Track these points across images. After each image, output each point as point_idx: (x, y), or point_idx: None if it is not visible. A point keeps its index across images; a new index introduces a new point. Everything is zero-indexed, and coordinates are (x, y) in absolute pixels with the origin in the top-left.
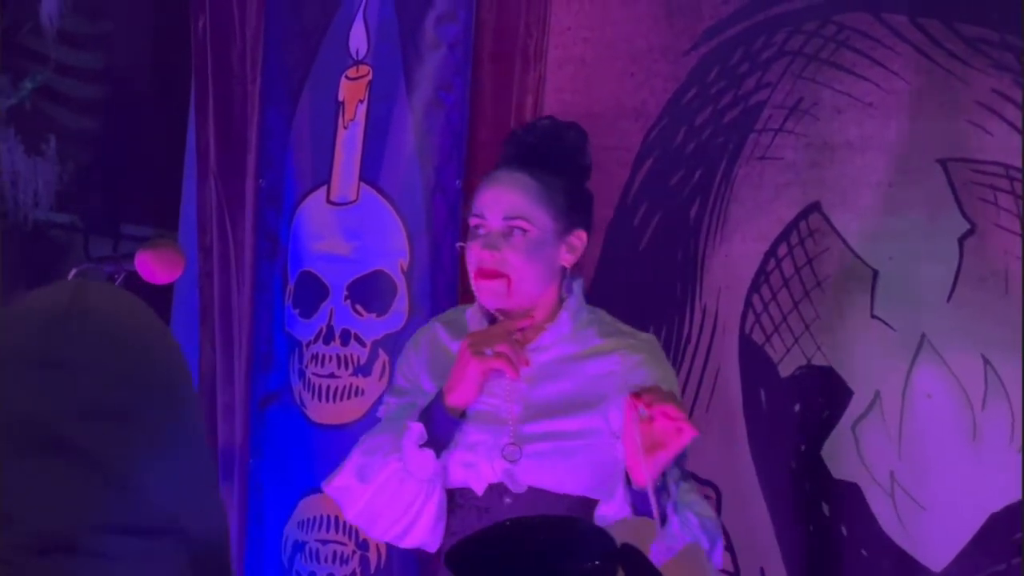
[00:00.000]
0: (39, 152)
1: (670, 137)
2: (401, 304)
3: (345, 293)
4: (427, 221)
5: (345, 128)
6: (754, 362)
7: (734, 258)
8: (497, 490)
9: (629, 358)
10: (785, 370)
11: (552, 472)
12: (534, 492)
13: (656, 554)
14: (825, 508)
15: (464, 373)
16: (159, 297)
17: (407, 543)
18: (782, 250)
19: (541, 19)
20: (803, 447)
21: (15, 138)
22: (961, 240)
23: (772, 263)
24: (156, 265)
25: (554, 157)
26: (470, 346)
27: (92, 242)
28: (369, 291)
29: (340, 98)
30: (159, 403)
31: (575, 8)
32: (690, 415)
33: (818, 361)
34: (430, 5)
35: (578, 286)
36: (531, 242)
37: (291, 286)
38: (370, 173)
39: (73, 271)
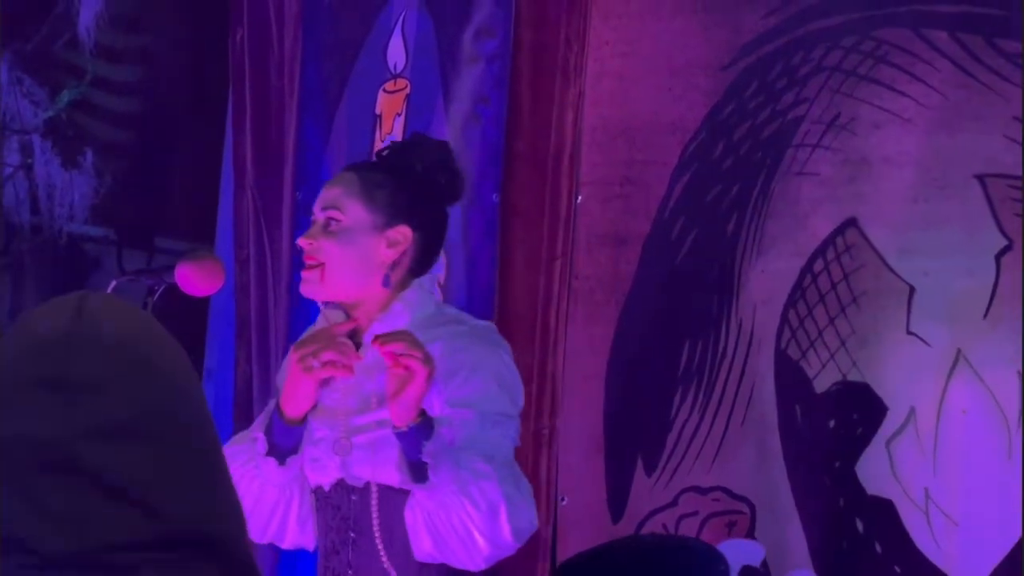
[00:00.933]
0: (75, 165)
1: (708, 152)
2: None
3: None
4: (463, 235)
5: (382, 141)
6: (789, 378)
7: (770, 273)
8: (342, 487)
9: (451, 343)
10: (820, 386)
11: (381, 464)
12: (377, 488)
13: (417, 498)
14: (859, 524)
15: (295, 387)
16: (195, 310)
17: (287, 545)
18: (818, 265)
19: (580, 34)
20: (838, 463)
21: (51, 151)
22: (998, 256)
23: (808, 278)
24: (197, 277)
25: (391, 159)
26: (298, 360)
27: (125, 255)
28: None
29: (377, 111)
30: (165, 418)
31: (614, 23)
32: (725, 430)
33: (853, 377)
34: (468, 19)
35: (429, 281)
36: (343, 231)
37: None
38: None
39: (113, 283)
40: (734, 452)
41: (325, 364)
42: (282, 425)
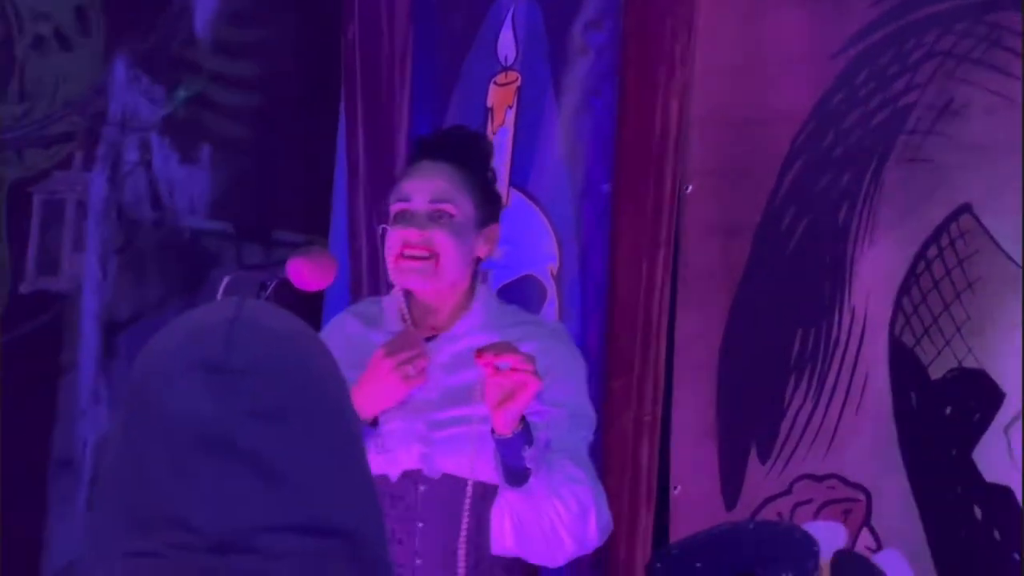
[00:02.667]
0: (193, 160)
1: (818, 140)
2: (551, 309)
3: None
4: (576, 226)
5: (494, 134)
6: (904, 365)
7: (883, 261)
8: (411, 477)
9: (543, 343)
10: (936, 373)
11: (465, 457)
12: (448, 479)
13: (507, 499)
14: (977, 512)
15: (385, 391)
16: (310, 306)
17: None
18: (932, 252)
19: (686, 23)
20: (954, 450)
21: (170, 147)
22: None
23: (922, 265)
24: (309, 271)
25: (469, 156)
26: (395, 368)
27: (244, 249)
28: (519, 296)
29: (488, 104)
30: (319, 406)
31: (722, 12)
32: (839, 418)
33: (969, 364)
34: (578, 12)
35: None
36: (456, 225)
37: None
38: (519, 178)
39: (225, 280)
40: (849, 439)
41: (420, 373)
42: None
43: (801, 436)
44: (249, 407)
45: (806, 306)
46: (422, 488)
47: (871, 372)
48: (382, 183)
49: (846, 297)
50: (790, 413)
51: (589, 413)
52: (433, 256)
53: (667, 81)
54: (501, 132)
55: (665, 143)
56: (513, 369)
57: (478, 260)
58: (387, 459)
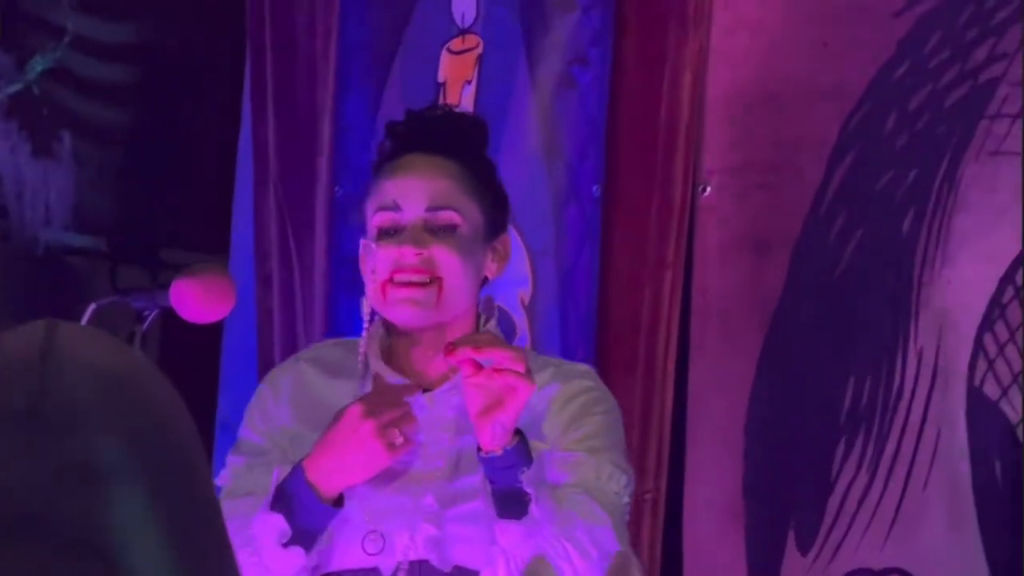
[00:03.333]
0: (50, 153)
1: (876, 126)
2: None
3: None
4: (555, 238)
5: None
6: (987, 423)
7: (960, 285)
8: (416, 570)
9: (571, 384)
10: None
11: (484, 544)
12: (461, 573)
13: (510, 541)
14: None
15: (365, 462)
16: (205, 341)
17: None
18: (1022, 275)
19: None
20: None
21: (19, 134)
22: None
23: (1010, 291)
24: (198, 298)
25: (470, 146)
26: (378, 433)
27: (121, 272)
28: None
29: (441, 78)
30: (157, 459)
31: None
32: (903, 494)
33: None
34: None
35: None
36: (462, 240)
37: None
38: None
39: (90, 308)
40: (915, 522)
41: (407, 443)
42: (317, 503)
43: (853, 519)
44: (67, 467)
45: (861, 345)
46: None
47: (944, 433)
48: (299, 184)
49: (912, 334)
50: (839, 488)
51: (627, 469)
52: (435, 281)
53: (677, 47)
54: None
55: (674, 130)
56: (498, 370)
57: (485, 282)
58: (380, 550)
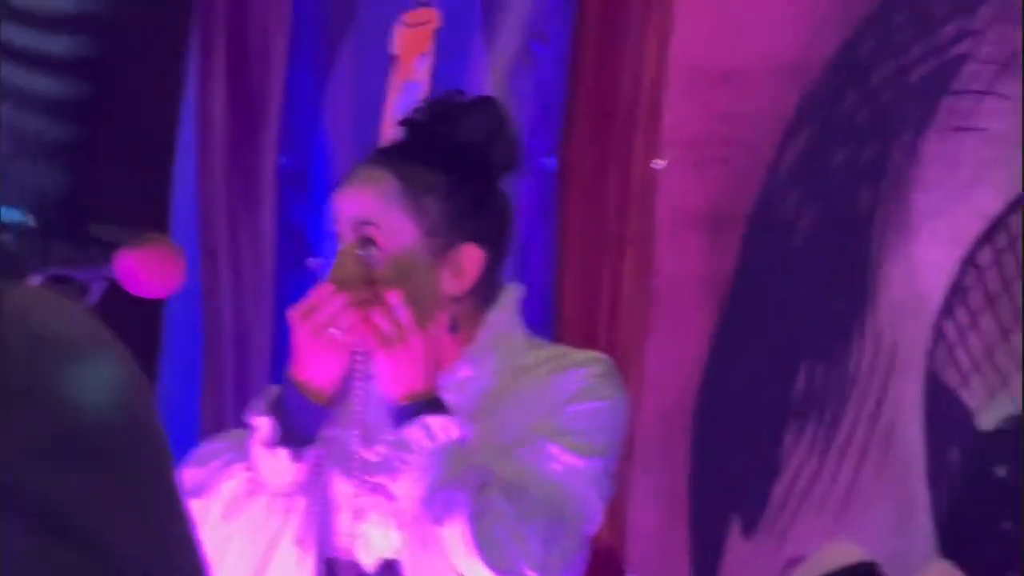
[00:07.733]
0: None
1: (834, 101)
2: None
3: None
4: None
5: (400, 92)
6: (944, 412)
7: (919, 267)
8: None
9: (587, 368)
10: (987, 422)
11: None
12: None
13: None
14: None
15: (322, 364)
16: (144, 317)
17: None
18: (984, 257)
19: None
20: (1008, 525)
21: None
22: None
23: (972, 275)
24: (146, 270)
25: (437, 147)
26: (315, 335)
27: (55, 248)
28: None
29: (394, 51)
30: (119, 431)
31: None
32: (853, 481)
33: None
34: None
35: (515, 293)
36: (390, 260)
37: None
38: None
39: (36, 279)
40: (866, 510)
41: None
42: (301, 398)
43: (801, 504)
44: (28, 443)
45: (814, 329)
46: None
47: (899, 420)
48: (246, 155)
49: (867, 317)
50: (787, 473)
51: (601, 473)
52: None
53: (640, 22)
54: (410, 88)
55: (634, 105)
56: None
57: (458, 299)
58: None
